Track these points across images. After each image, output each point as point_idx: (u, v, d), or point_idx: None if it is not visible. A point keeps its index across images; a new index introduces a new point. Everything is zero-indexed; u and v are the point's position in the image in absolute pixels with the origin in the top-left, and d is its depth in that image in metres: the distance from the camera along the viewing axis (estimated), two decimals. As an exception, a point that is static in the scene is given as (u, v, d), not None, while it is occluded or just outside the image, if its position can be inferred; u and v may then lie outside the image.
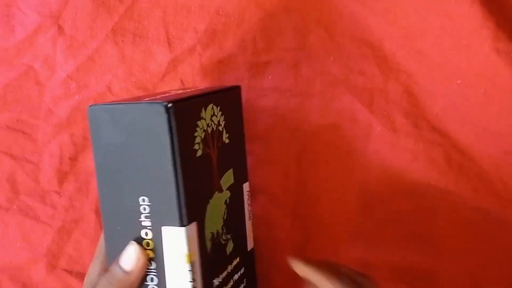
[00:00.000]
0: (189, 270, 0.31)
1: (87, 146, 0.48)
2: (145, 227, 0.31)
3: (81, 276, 0.48)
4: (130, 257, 0.31)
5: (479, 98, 0.43)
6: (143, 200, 0.31)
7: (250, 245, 0.40)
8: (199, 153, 0.33)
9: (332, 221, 0.47)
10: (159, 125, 0.30)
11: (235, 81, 0.47)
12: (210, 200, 0.34)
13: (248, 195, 0.41)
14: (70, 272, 0.48)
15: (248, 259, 0.39)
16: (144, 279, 0.32)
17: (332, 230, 0.47)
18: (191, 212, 0.31)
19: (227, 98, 0.39)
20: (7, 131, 0.48)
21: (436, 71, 0.44)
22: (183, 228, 0.30)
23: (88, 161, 0.48)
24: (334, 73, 0.46)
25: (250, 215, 0.41)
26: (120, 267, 0.31)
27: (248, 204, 0.41)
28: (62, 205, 0.48)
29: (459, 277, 0.45)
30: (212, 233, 0.34)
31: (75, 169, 0.48)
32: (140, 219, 0.31)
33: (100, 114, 0.31)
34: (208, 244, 0.33)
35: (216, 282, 0.34)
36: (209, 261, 0.33)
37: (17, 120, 0.49)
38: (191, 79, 0.48)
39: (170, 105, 0.30)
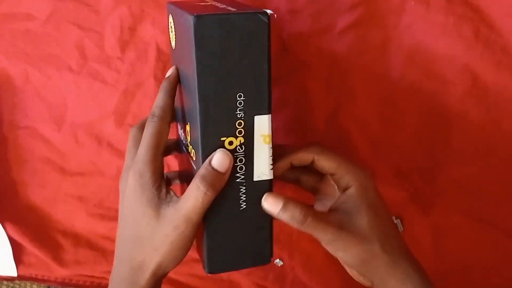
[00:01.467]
0: (270, 148, 0.40)
1: (143, 17, 0.53)
2: (240, 118, 0.38)
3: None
4: (224, 160, 0.38)
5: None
6: (240, 96, 0.38)
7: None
8: None
9: (364, 93, 0.52)
10: (261, 32, 0.36)
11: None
12: None
13: None
14: (135, 128, 0.56)
15: None
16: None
17: (363, 102, 0.52)
18: (271, 104, 0.39)
19: None
20: (72, 3, 0.54)
21: None
22: (269, 115, 0.39)
23: (145, 31, 0.53)
24: None
25: None
26: (215, 169, 0.38)
27: None
28: (125, 70, 0.54)
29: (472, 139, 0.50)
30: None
31: (134, 38, 0.54)
32: (236, 112, 0.38)
33: (207, 24, 0.35)
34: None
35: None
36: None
37: (81, -7, 0.54)
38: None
39: (270, 12, 0.36)
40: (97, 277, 0.63)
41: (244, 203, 0.41)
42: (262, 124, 0.39)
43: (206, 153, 0.38)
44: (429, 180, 0.53)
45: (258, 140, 0.39)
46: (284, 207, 0.39)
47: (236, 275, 0.59)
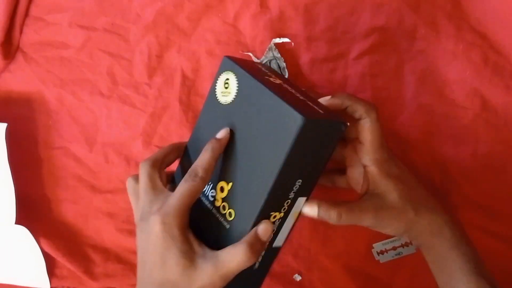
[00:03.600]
0: (294, 222, 0.45)
1: (170, 45, 0.57)
2: (289, 198, 0.42)
3: (170, 151, 0.59)
4: (268, 231, 0.41)
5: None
6: (298, 182, 0.41)
7: None
8: None
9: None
10: (337, 137, 0.41)
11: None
12: None
13: None
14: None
15: None
16: None
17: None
18: None
19: None
20: (104, 32, 0.58)
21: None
22: (305, 198, 0.43)
23: (171, 58, 0.57)
24: (385, -21, 0.51)
25: None
26: (260, 238, 0.41)
27: None
28: (152, 94, 0.58)
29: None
30: None
31: (161, 65, 0.58)
32: (290, 194, 0.42)
33: (311, 127, 0.38)
34: None
35: None
36: None
37: (112, 24, 0.58)
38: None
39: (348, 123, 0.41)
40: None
41: (258, 264, 0.45)
42: (300, 204, 0.43)
43: (257, 222, 0.41)
44: (443, 198, 0.55)
45: (291, 216, 0.44)
46: (319, 210, 0.43)
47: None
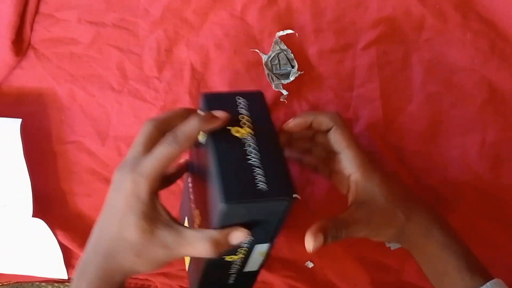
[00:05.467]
0: (264, 257, 0.46)
1: (178, 39, 0.57)
2: (242, 247, 0.43)
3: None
4: (238, 239, 0.40)
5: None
6: (248, 238, 0.41)
7: None
8: None
9: (385, 104, 0.55)
10: (280, 208, 0.40)
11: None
12: None
13: None
14: (172, 141, 0.60)
15: None
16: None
17: (384, 113, 0.55)
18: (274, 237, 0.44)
19: None
20: (113, 28, 0.58)
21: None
22: (269, 244, 0.44)
23: (180, 52, 0.58)
24: (392, -31, 0.51)
25: None
26: (228, 241, 0.40)
27: None
28: (162, 88, 0.59)
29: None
30: None
31: (170, 59, 0.58)
32: (241, 246, 0.43)
33: (236, 207, 0.38)
34: None
35: None
36: None
37: (120, 19, 0.58)
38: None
39: (295, 196, 0.39)
40: (141, 279, 0.67)
41: (233, 280, 0.48)
42: (262, 248, 0.44)
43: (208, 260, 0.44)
44: (449, 186, 0.55)
45: (256, 255, 0.45)
46: (325, 239, 0.42)
47: (269, 276, 0.63)
